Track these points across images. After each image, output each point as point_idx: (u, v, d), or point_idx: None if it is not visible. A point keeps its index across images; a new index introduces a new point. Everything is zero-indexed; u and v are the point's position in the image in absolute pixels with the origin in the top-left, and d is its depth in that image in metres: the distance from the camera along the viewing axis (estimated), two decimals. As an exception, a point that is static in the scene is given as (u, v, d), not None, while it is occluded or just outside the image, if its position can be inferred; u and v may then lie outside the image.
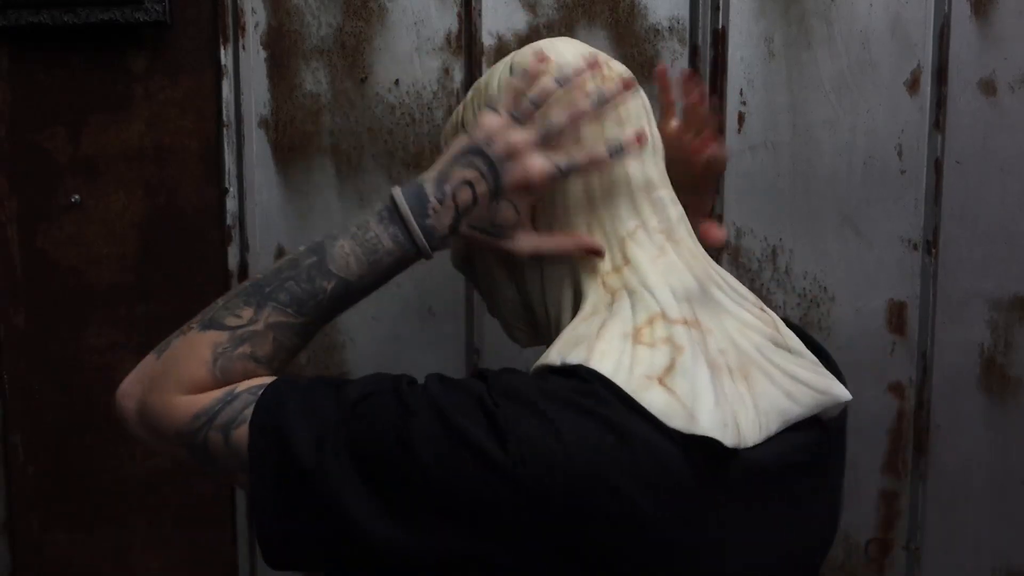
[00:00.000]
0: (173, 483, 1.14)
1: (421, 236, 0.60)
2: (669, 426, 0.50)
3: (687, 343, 0.54)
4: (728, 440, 0.51)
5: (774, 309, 1.13)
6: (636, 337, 0.54)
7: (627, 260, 0.58)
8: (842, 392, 0.58)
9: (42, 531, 1.14)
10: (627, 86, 0.62)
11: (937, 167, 1.10)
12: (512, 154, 0.59)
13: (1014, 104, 1.09)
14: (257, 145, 1.10)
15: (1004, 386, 1.13)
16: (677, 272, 0.57)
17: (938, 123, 1.09)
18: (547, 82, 0.60)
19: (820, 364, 0.61)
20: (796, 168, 1.10)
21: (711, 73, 1.08)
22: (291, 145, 1.09)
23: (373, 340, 1.11)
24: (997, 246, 1.11)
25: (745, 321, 0.58)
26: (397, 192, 0.61)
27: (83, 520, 1.14)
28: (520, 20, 1.07)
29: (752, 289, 1.11)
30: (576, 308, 0.60)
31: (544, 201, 0.62)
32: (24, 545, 1.14)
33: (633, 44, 1.08)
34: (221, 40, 1.08)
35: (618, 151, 0.59)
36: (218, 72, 1.08)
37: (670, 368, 0.53)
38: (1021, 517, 1.15)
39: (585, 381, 0.52)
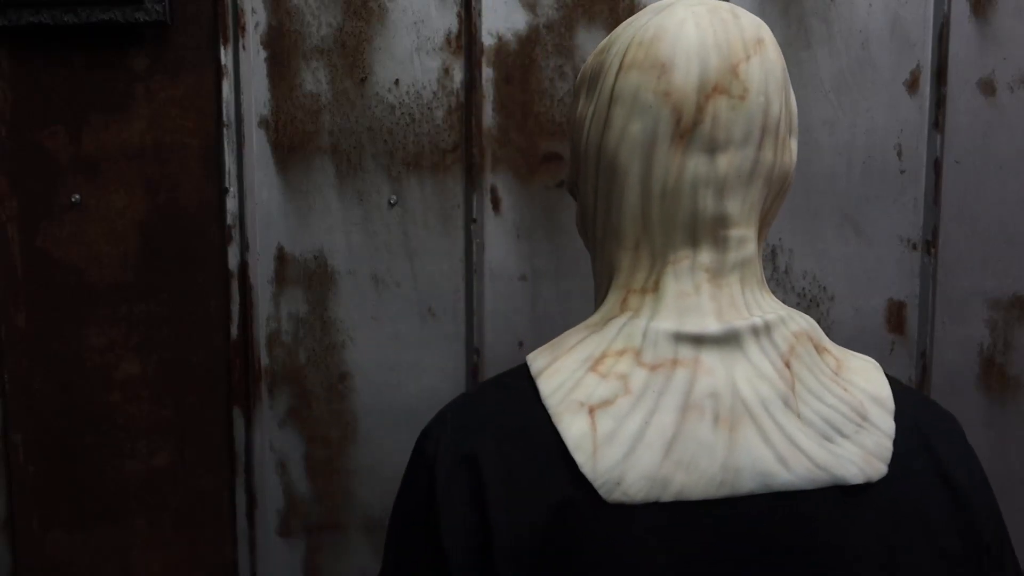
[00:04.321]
0: (173, 483, 1.14)
1: None
2: (572, 455, 0.52)
3: (641, 388, 0.53)
4: (647, 490, 0.50)
5: (774, 309, 1.13)
6: (595, 364, 0.54)
7: (656, 287, 0.56)
8: (849, 474, 0.51)
9: (42, 530, 1.14)
10: None
11: (936, 167, 1.10)
12: None
13: (1013, 104, 1.09)
14: (257, 145, 1.10)
15: (1003, 386, 1.13)
16: (698, 315, 0.54)
17: (937, 123, 1.09)
18: None
19: (843, 438, 0.52)
20: (796, 167, 1.10)
21: (711, 73, 1.08)
22: (291, 145, 1.10)
23: (373, 340, 1.11)
24: (997, 246, 1.11)
25: (762, 371, 0.53)
26: None
27: (83, 520, 1.14)
28: (520, 20, 1.08)
29: (752, 289, 1.11)
30: (599, 304, 0.61)
31: (605, 196, 0.60)
32: (24, 544, 1.14)
33: (633, 44, 1.08)
34: (221, 40, 1.08)
35: None
36: (218, 72, 1.08)
37: (607, 403, 0.52)
38: (1021, 517, 1.15)
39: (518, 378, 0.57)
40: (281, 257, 1.11)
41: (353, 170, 1.10)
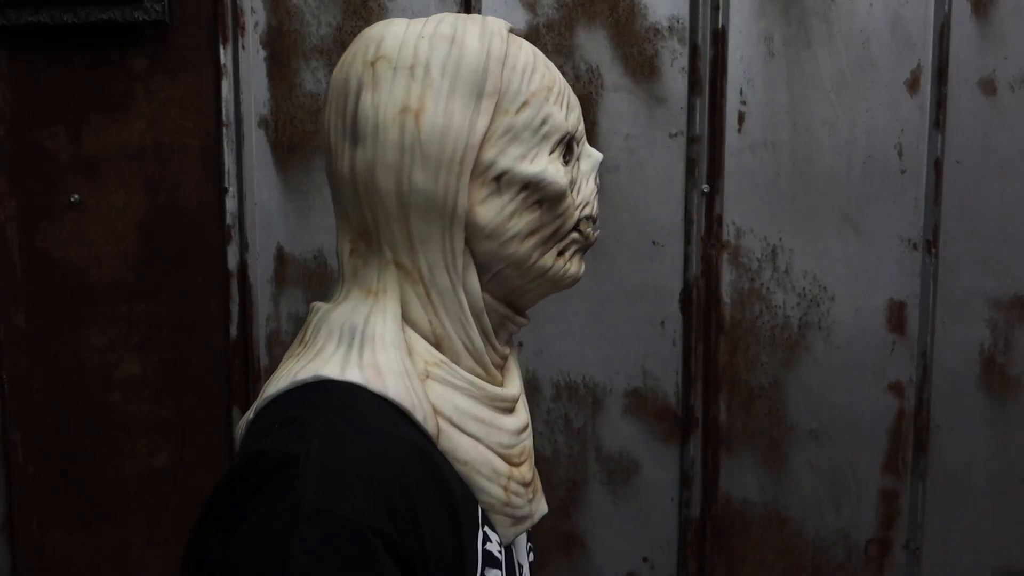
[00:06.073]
0: (173, 483, 1.14)
1: None
2: None
3: None
4: None
5: (774, 309, 1.13)
6: None
7: None
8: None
9: (42, 531, 1.14)
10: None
11: (937, 166, 1.10)
12: None
13: (1014, 104, 1.09)
14: (257, 145, 1.10)
15: (1004, 386, 1.13)
16: None
17: (938, 122, 1.09)
18: None
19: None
20: (796, 167, 1.10)
21: (711, 73, 1.08)
22: (291, 145, 1.09)
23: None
24: (997, 246, 1.11)
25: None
26: None
27: (83, 520, 1.14)
28: (520, 19, 1.07)
29: (752, 289, 1.12)
30: None
31: None
32: (24, 544, 1.14)
33: (633, 43, 1.08)
34: (221, 39, 1.08)
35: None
36: (218, 71, 1.08)
37: None
38: (1021, 517, 1.15)
39: None
40: (281, 257, 1.11)
41: (353, 170, 1.10)
